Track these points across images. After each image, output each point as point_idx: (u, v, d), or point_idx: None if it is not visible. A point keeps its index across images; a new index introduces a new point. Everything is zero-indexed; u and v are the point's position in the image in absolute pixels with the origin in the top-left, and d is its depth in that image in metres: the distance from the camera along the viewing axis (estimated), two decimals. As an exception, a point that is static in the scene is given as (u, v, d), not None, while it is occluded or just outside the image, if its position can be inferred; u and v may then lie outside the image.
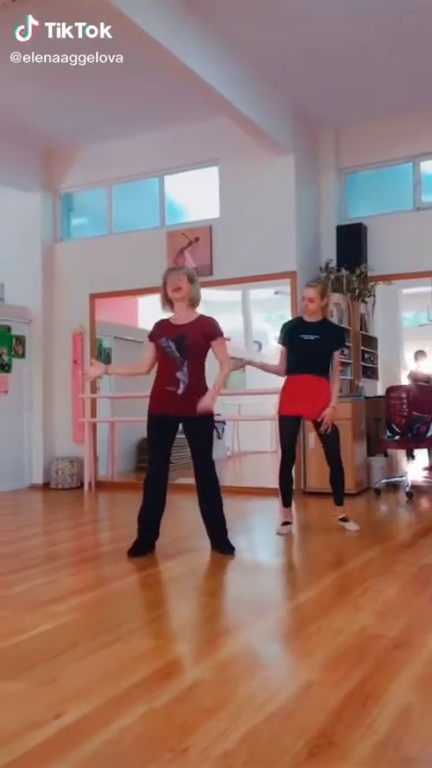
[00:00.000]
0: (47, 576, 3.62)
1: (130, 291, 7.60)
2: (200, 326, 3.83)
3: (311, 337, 4.48)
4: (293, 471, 4.71)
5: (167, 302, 3.90)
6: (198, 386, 3.80)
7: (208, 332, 3.83)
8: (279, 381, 4.70)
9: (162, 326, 3.91)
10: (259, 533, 5.01)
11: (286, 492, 4.66)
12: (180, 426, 3.90)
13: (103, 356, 8.05)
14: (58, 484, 7.37)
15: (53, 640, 2.57)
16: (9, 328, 7.51)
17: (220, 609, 3.14)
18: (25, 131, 7.26)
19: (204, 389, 3.81)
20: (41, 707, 1.96)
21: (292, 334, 4.57)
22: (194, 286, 3.88)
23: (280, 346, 4.69)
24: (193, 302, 3.89)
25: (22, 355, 7.65)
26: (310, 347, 4.47)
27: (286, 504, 4.68)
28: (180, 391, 3.75)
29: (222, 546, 3.91)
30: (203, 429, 3.87)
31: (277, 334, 4.80)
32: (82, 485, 7.29)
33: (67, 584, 3.53)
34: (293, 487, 4.77)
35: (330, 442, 4.53)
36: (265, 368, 4.75)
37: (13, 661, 2.37)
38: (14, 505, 6.54)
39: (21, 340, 7.64)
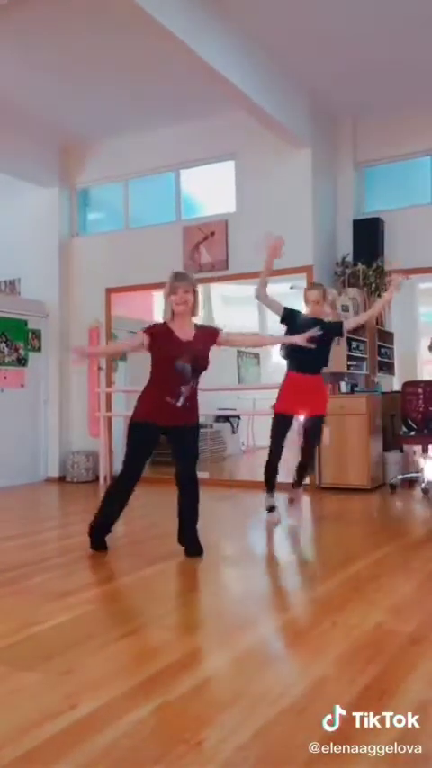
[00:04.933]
0: (63, 569, 3.64)
1: (145, 286, 7.59)
2: (203, 341, 3.71)
3: (316, 332, 4.34)
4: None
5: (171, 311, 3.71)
6: (195, 396, 3.75)
7: (210, 341, 3.75)
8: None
9: (168, 339, 3.65)
10: (273, 528, 5.00)
11: (271, 478, 4.77)
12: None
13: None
14: (74, 477, 7.41)
15: (69, 632, 2.59)
16: (26, 322, 7.55)
17: (234, 603, 3.14)
18: (43, 127, 7.28)
19: (196, 401, 3.77)
20: (57, 698, 1.97)
21: (296, 320, 4.54)
22: (197, 296, 3.73)
23: (281, 308, 4.64)
24: (195, 313, 3.76)
25: (39, 349, 7.69)
26: (313, 343, 4.32)
27: (270, 488, 4.77)
28: (179, 404, 3.65)
29: (194, 547, 3.77)
30: (192, 437, 3.80)
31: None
32: (97, 478, 7.32)
33: (83, 576, 3.55)
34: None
35: (312, 436, 4.78)
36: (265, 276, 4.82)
37: (30, 652, 2.38)
38: (31, 499, 6.59)
39: (37, 334, 7.67)
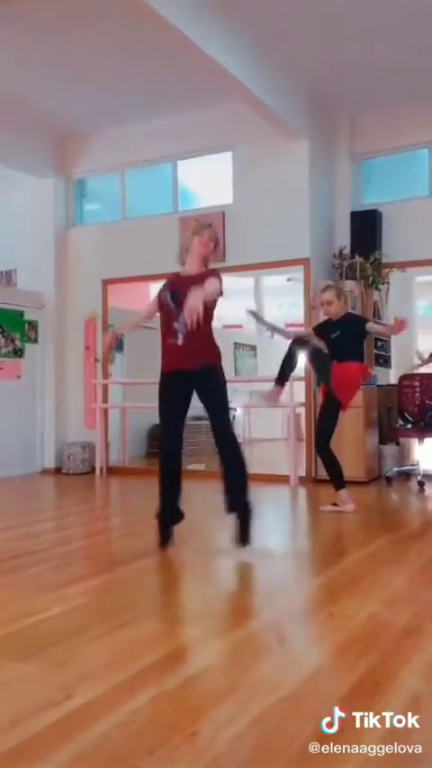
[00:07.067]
0: (58, 560, 3.64)
1: (142, 277, 7.58)
2: (203, 277, 3.58)
3: (335, 334, 4.79)
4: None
5: (184, 255, 3.77)
6: (198, 335, 3.52)
7: (206, 275, 3.58)
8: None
9: (169, 280, 3.79)
10: (270, 520, 5.01)
11: (337, 476, 4.82)
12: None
13: (116, 342, 8.05)
14: (70, 469, 7.41)
15: (64, 623, 2.59)
16: (22, 313, 7.53)
17: (230, 594, 3.14)
18: (39, 117, 7.24)
19: (208, 341, 3.65)
20: (52, 689, 1.97)
21: (324, 332, 4.91)
22: (213, 242, 3.78)
23: (311, 333, 5.08)
24: (207, 262, 3.78)
25: (35, 340, 7.67)
26: (336, 344, 4.77)
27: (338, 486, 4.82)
28: (180, 342, 3.59)
29: (241, 536, 3.63)
30: (212, 382, 3.65)
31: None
32: (93, 470, 7.32)
33: (79, 567, 3.55)
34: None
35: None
36: (268, 325, 5.40)
37: (25, 643, 2.38)
38: (27, 490, 6.59)
39: (33, 325, 7.65)
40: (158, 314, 3.81)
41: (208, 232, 3.75)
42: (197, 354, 3.60)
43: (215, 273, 3.65)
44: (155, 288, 8.74)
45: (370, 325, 4.91)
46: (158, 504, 3.73)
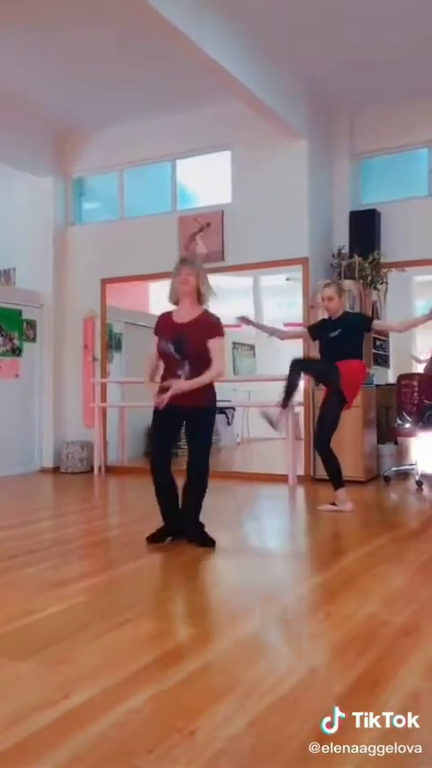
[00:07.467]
0: (57, 559, 3.64)
1: (141, 276, 7.58)
2: (200, 326, 3.68)
3: (335, 333, 4.79)
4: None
5: (175, 296, 3.79)
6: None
7: (206, 332, 3.67)
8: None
9: (163, 324, 3.79)
10: (269, 519, 5.02)
11: (336, 474, 4.84)
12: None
13: (114, 341, 8.06)
14: (68, 468, 7.41)
15: (63, 622, 2.59)
16: (20, 312, 7.52)
17: (229, 594, 3.14)
18: (38, 115, 7.23)
19: (206, 386, 3.70)
20: (50, 688, 1.97)
21: (321, 332, 4.92)
22: (204, 282, 3.75)
23: (305, 331, 5.18)
24: (201, 299, 3.76)
25: (33, 339, 7.66)
26: (335, 342, 4.77)
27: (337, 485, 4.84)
28: None
29: (202, 538, 3.79)
30: (200, 425, 3.78)
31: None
32: (92, 469, 7.32)
33: (77, 567, 3.55)
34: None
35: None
36: (263, 328, 5.41)
37: (23, 642, 2.38)
38: (25, 489, 6.58)
39: (32, 324, 7.65)
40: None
41: (186, 269, 3.71)
42: (193, 395, 3.66)
43: (217, 330, 3.70)
44: (153, 288, 8.81)
45: (378, 323, 4.93)
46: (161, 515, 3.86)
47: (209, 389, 3.75)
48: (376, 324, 4.91)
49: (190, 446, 3.81)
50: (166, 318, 3.82)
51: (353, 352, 4.78)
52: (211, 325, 3.71)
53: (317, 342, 5.06)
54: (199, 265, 3.83)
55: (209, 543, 3.74)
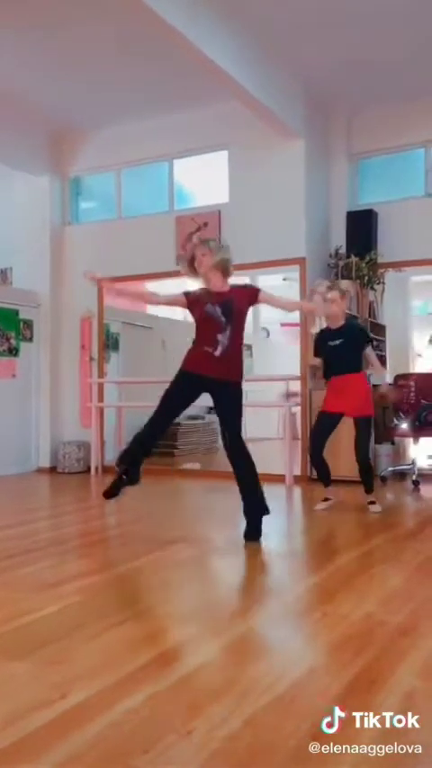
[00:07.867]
0: (54, 559, 3.63)
1: (138, 276, 7.56)
2: (239, 293, 3.88)
3: (337, 342, 4.78)
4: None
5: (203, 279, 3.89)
6: (235, 352, 3.83)
7: (246, 297, 3.88)
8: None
9: (204, 292, 3.87)
10: (266, 519, 5.01)
11: (324, 475, 4.91)
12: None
13: (111, 341, 8.05)
14: (65, 468, 7.40)
15: (60, 622, 2.58)
16: (17, 312, 7.51)
17: (226, 593, 3.14)
18: (35, 115, 7.22)
19: (241, 358, 3.87)
20: (47, 687, 1.96)
21: (322, 343, 4.88)
22: (219, 254, 3.82)
23: (319, 360, 4.96)
24: (225, 271, 3.85)
25: (30, 339, 7.65)
26: (336, 353, 4.77)
27: (326, 484, 4.93)
28: (218, 353, 3.75)
29: (252, 531, 3.83)
30: (232, 397, 3.88)
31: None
32: (89, 469, 7.31)
33: (74, 566, 3.55)
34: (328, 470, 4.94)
35: (359, 438, 4.78)
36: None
37: (20, 642, 2.38)
38: (22, 489, 6.57)
39: (28, 324, 7.63)
40: (193, 319, 3.93)
41: (199, 250, 3.84)
42: (228, 368, 3.79)
43: (253, 288, 4.05)
44: (152, 287, 8.79)
45: (368, 351, 4.87)
46: (127, 454, 3.96)
47: (242, 365, 3.92)
48: (367, 353, 4.88)
49: (229, 418, 3.89)
50: (204, 290, 3.88)
51: (355, 364, 4.79)
52: (247, 289, 4.02)
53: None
54: (213, 244, 3.93)
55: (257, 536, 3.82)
